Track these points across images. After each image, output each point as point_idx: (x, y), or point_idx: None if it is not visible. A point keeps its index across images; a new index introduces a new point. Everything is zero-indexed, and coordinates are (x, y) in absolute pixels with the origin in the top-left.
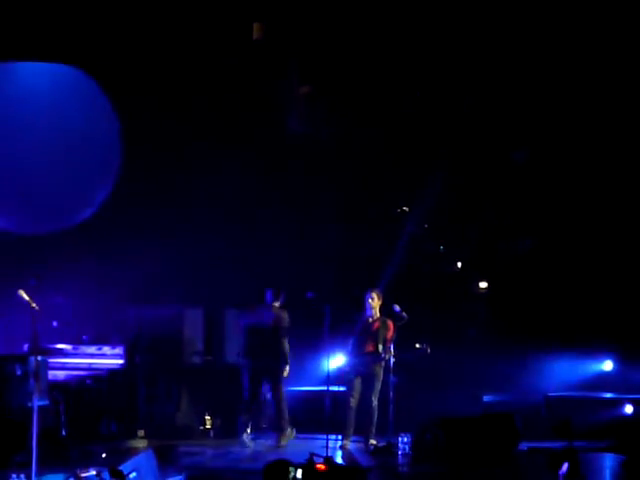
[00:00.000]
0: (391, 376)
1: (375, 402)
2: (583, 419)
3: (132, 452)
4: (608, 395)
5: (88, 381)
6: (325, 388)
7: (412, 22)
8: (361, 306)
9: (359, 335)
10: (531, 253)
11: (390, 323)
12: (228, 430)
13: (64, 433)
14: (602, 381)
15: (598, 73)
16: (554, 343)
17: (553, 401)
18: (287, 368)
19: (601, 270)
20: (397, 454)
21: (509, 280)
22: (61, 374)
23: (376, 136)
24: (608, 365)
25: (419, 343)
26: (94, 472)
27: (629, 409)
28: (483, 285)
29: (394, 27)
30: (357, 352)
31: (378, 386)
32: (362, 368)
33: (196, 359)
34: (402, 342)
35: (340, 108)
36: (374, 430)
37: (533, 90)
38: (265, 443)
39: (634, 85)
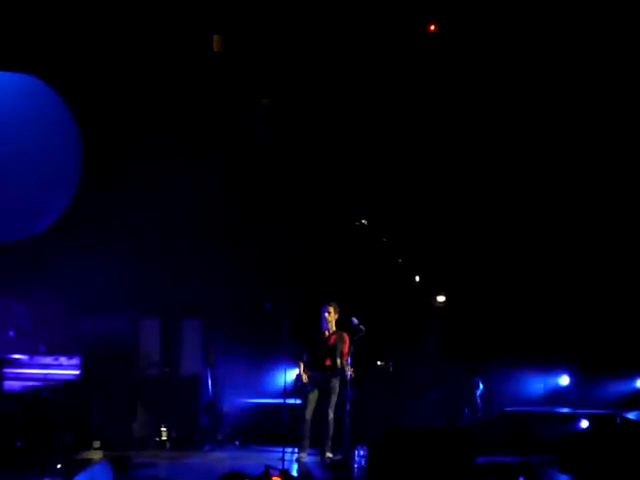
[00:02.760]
0: (348, 389)
1: (331, 415)
2: (539, 434)
3: (87, 463)
4: (564, 410)
5: (44, 392)
6: (282, 401)
7: (369, 36)
8: (319, 319)
9: (316, 349)
10: (489, 267)
11: (346, 336)
12: (184, 442)
13: (19, 444)
14: (559, 396)
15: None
16: (511, 357)
17: (509, 416)
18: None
19: (558, 285)
20: (353, 467)
21: (467, 294)
22: (17, 384)
23: (336, 146)
24: (565, 380)
25: (381, 360)
26: None
27: (584, 424)
28: (441, 299)
29: (354, 40)
30: (314, 366)
31: (334, 399)
32: (319, 382)
33: (152, 370)
34: (362, 358)
35: (300, 118)
36: (330, 443)
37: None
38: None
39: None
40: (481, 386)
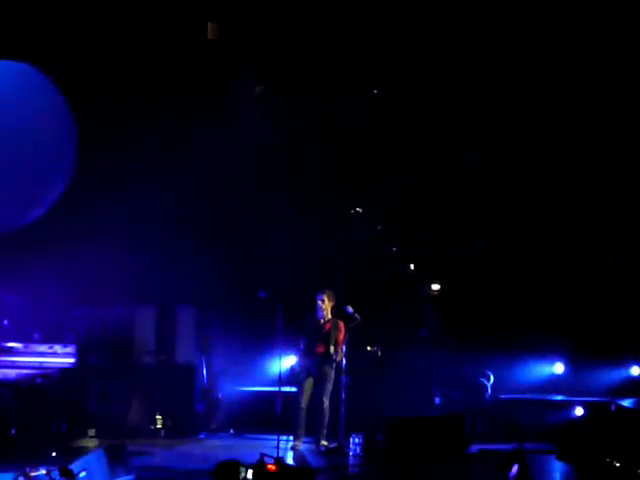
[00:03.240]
0: (343, 377)
1: (326, 403)
2: (533, 421)
3: (82, 451)
4: (559, 397)
5: (39, 380)
6: (277, 389)
7: (365, 21)
8: (313, 307)
9: (310, 336)
10: (483, 255)
11: (341, 324)
12: (179, 429)
13: (14, 432)
14: (553, 383)
15: (543, 78)
16: (505, 345)
17: (504, 403)
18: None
19: (553, 273)
20: (348, 455)
21: (461, 282)
22: (12, 372)
23: (330, 136)
24: (559, 368)
25: (370, 345)
26: (44, 471)
27: (579, 411)
28: (435, 287)
29: (348, 26)
30: (308, 353)
31: (329, 387)
32: (313, 369)
33: (148, 358)
34: (354, 344)
35: (294, 108)
36: (325, 431)
37: (485, 94)
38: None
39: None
40: (492, 378)
